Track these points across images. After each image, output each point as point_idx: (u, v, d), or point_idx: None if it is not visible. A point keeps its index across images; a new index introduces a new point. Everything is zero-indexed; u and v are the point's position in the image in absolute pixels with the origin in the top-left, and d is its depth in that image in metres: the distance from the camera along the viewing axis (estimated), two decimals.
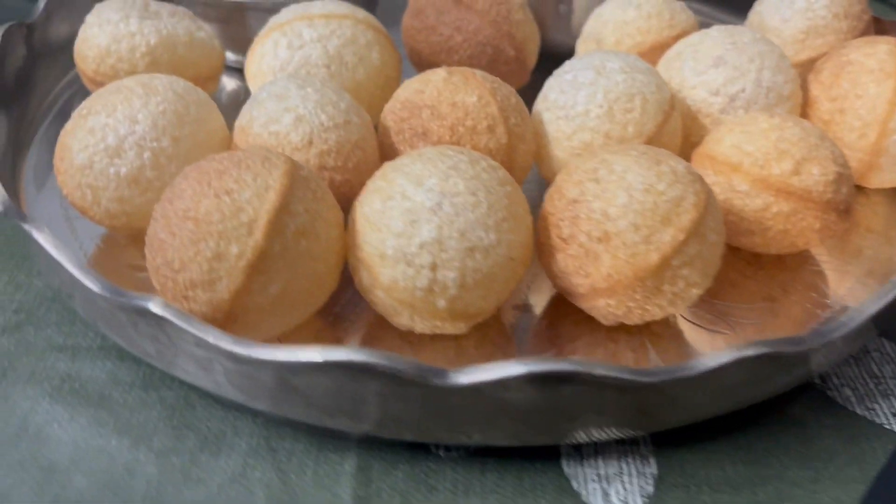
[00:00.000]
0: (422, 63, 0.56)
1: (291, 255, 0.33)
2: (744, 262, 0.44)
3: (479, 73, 0.44)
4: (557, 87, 0.45)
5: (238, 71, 0.62)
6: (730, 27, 0.48)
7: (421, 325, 0.36)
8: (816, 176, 0.40)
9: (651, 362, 0.38)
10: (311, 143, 0.40)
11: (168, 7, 0.52)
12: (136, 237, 0.45)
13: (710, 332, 0.41)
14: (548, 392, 0.31)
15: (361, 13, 0.51)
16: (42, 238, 0.35)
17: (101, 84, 0.50)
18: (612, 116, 0.43)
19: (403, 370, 0.30)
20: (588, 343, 0.40)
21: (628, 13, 0.53)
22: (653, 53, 0.52)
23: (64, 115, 0.55)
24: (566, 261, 0.37)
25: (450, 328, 0.37)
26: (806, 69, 0.52)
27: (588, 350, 0.39)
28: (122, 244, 0.45)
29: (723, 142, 0.42)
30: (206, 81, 0.53)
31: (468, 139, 0.42)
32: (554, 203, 0.38)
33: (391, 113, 0.44)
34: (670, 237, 0.35)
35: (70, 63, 0.58)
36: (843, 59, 0.47)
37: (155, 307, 0.32)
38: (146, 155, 0.40)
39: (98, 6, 0.51)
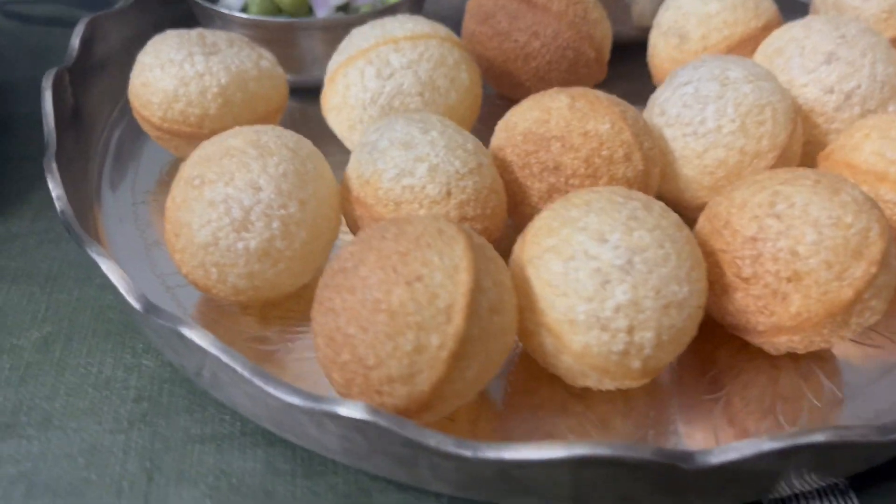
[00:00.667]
0: (492, 71, 0.53)
1: (487, 335, 0.31)
2: None
3: (601, 94, 0.41)
4: (679, 101, 0.43)
5: None
6: (831, 17, 0.47)
7: (608, 385, 0.35)
8: None
9: (825, 389, 0.38)
10: (449, 193, 0.38)
11: (223, 36, 0.48)
12: (247, 305, 0.42)
13: (866, 347, 0.40)
14: (789, 459, 0.30)
15: (443, 29, 0.47)
16: (211, 345, 0.32)
17: (168, 131, 0.46)
18: (745, 131, 0.41)
19: (652, 460, 0.28)
20: (752, 374, 0.39)
21: (711, 5, 0.50)
22: (742, 47, 0.50)
23: (120, 162, 0.50)
24: (746, 300, 0.35)
25: (635, 384, 0.35)
26: None
27: (754, 381, 0.38)
28: (231, 312, 0.42)
29: (862, 149, 0.40)
30: (276, 114, 0.49)
31: (605, 170, 0.40)
32: (726, 239, 0.36)
33: (512, 146, 0.41)
34: (863, 271, 0.34)
35: (112, 103, 0.54)
36: None
37: (365, 414, 0.29)
38: (275, 224, 0.36)
39: (153, 43, 0.47)
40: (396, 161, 0.38)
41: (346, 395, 0.32)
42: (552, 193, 0.40)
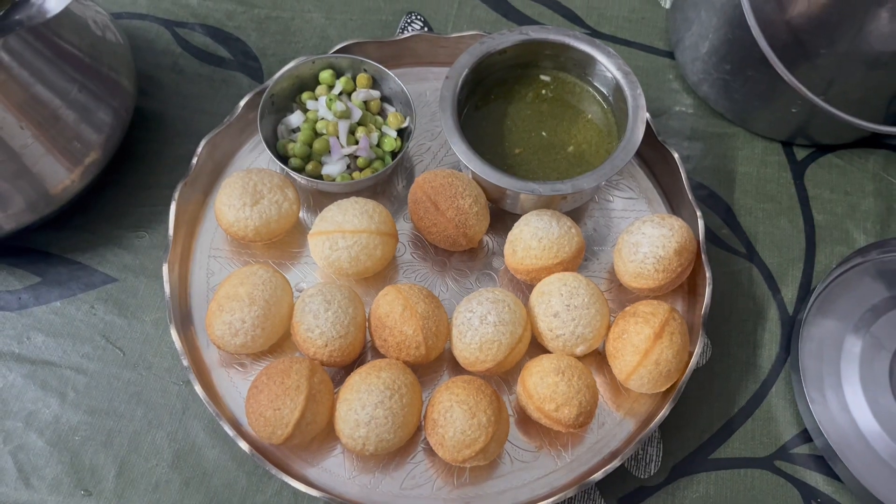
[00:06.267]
0: (416, 224, 0.92)
1: (304, 434, 0.78)
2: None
3: (420, 308, 0.83)
4: (460, 321, 0.84)
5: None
6: (577, 284, 0.84)
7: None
8: (566, 413, 0.80)
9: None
10: (326, 345, 0.82)
11: (267, 183, 0.89)
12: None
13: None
14: None
15: (375, 224, 0.87)
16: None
17: (230, 233, 0.90)
18: (482, 349, 0.82)
19: None
20: None
21: (533, 242, 0.87)
22: (540, 272, 0.88)
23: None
24: (431, 439, 0.81)
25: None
26: (636, 290, 0.88)
27: None
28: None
29: (531, 378, 0.82)
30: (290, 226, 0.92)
31: (405, 351, 0.83)
32: (429, 412, 0.80)
33: (373, 319, 0.84)
34: (469, 452, 0.78)
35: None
36: (626, 326, 0.84)
37: (249, 447, 0.78)
38: (258, 331, 0.83)
39: (226, 186, 0.89)
40: (307, 323, 0.82)
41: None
42: (383, 349, 0.84)
